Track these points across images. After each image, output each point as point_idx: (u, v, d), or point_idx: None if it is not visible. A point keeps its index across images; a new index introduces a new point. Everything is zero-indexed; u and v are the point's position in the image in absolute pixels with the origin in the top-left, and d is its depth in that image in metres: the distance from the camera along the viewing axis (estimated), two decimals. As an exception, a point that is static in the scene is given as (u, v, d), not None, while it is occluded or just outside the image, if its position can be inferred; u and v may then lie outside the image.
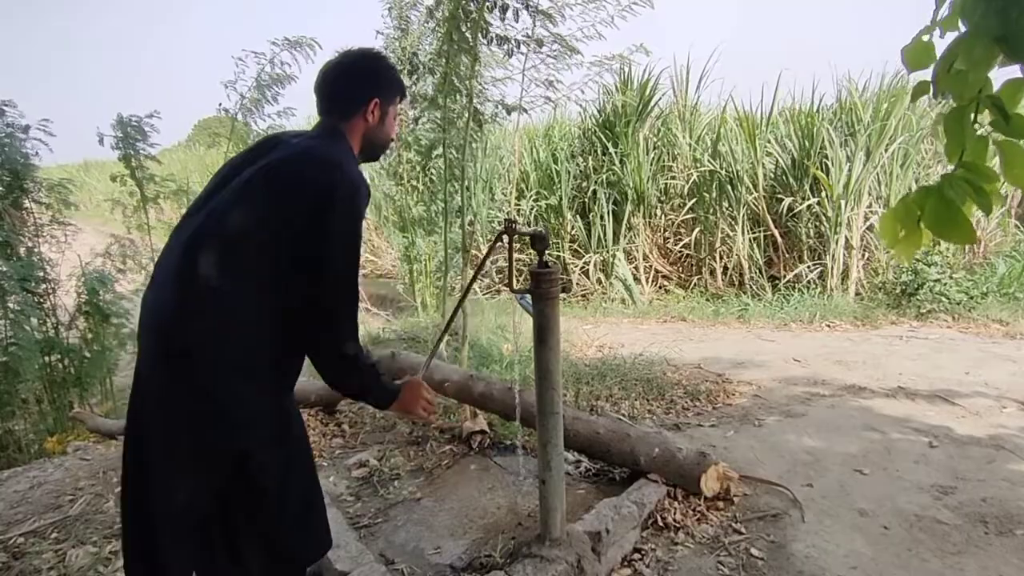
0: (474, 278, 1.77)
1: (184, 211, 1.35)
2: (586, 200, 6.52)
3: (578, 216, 6.56)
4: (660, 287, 6.40)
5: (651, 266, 6.42)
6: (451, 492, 2.37)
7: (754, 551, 1.90)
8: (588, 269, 6.31)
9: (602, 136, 6.44)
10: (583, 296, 6.26)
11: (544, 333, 1.68)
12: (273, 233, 1.19)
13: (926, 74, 0.99)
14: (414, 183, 5.69)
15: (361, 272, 8.60)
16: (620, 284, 6.03)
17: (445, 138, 3.48)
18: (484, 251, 6.89)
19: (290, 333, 1.25)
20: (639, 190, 6.23)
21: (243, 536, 1.27)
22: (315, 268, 1.20)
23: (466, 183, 6.66)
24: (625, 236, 6.29)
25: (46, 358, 4.02)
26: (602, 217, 6.23)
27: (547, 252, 1.68)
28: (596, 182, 6.36)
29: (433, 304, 5.76)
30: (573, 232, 6.55)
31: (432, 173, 5.20)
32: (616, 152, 6.29)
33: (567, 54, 4.62)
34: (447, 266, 3.37)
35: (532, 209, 6.71)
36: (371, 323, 5.25)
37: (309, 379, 3.84)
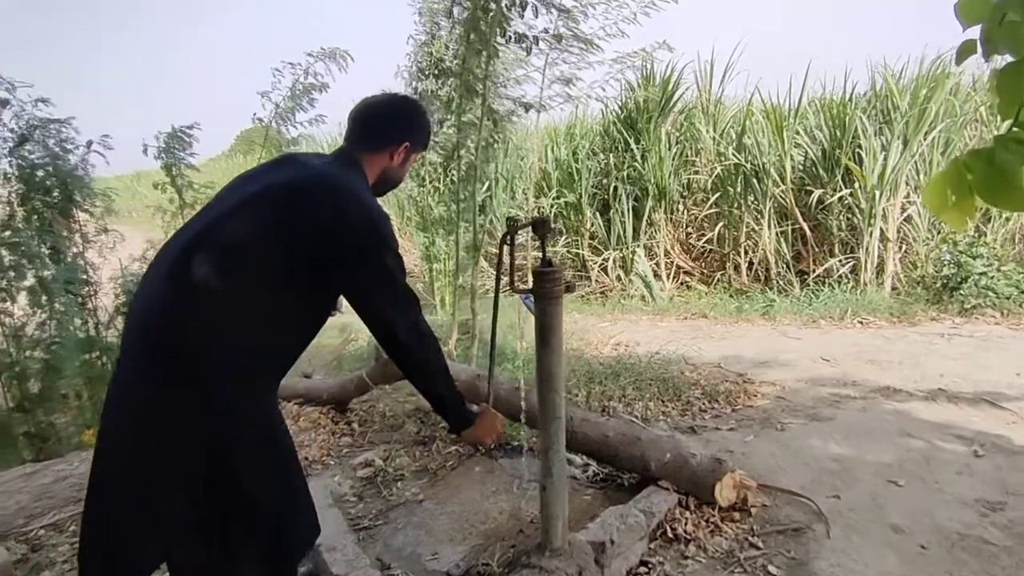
0: (497, 290, 1.67)
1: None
2: (607, 197, 6.29)
3: (598, 213, 6.33)
4: (682, 283, 6.12)
5: (672, 262, 6.15)
6: (453, 494, 2.22)
7: (772, 568, 1.68)
8: (607, 266, 6.08)
9: (623, 132, 6.20)
10: (602, 293, 6.04)
11: (546, 334, 1.52)
12: (281, 247, 1.17)
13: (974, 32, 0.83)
14: (436, 184, 5.62)
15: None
16: (639, 281, 5.78)
17: (458, 139, 3.35)
18: (504, 250, 6.69)
19: (280, 339, 1.23)
20: (660, 185, 5.97)
21: (232, 533, 1.20)
22: (368, 304, 1.27)
23: (487, 183, 6.56)
24: (646, 232, 6.04)
25: (86, 355, 4.11)
26: (622, 213, 5.98)
27: (549, 240, 1.53)
28: (617, 178, 6.12)
29: (451, 302, 5.67)
30: (592, 229, 6.33)
31: (452, 174, 5.12)
32: (637, 148, 6.04)
33: (588, 51, 4.44)
34: (458, 265, 3.25)
35: (552, 207, 6.53)
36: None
37: (323, 377, 3.79)
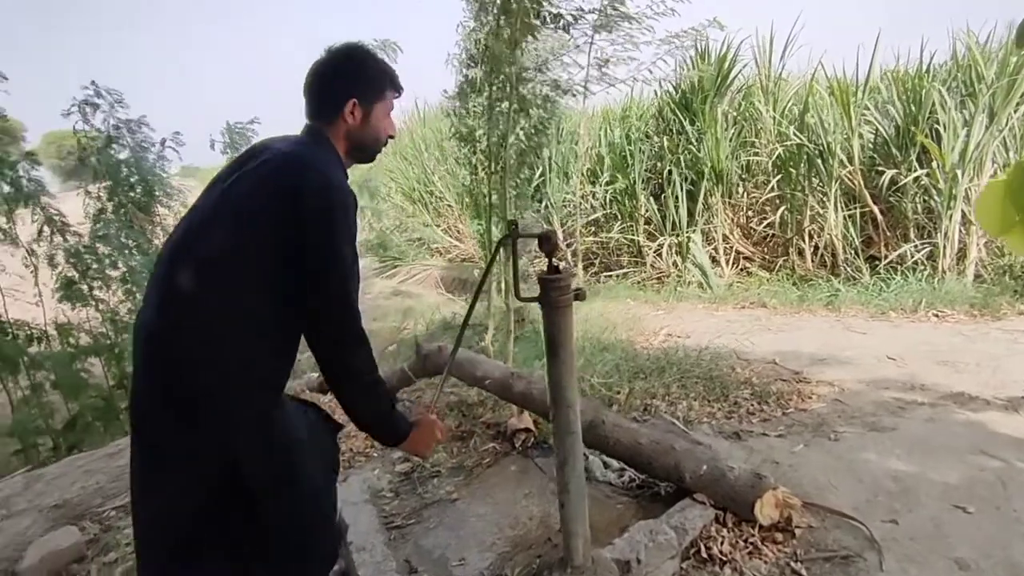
0: (479, 290, 1.57)
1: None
2: (661, 181, 5.97)
3: (652, 198, 6.02)
4: (742, 269, 5.72)
5: (732, 247, 5.76)
6: (487, 494, 2.18)
7: (815, 600, 1.52)
8: (662, 251, 5.79)
9: (677, 113, 5.83)
10: (658, 279, 5.77)
11: (555, 346, 1.41)
12: (256, 243, 1.12)
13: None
14: (487, 172, 5.55)
15: (444, 261, 8.66)
16: (696, 268, 5.47)
17: (489, 128, 3.22)
18: (561, 235, 6.64)
19: (277, 340, 1.18)
20: (717, 168, 5.57)
21: (243, 545, 1.19)
22: (307, 280, 1.12)
23: (540, 169, 6.35)
24: (702, 216, 5.69)
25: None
26: (676, 198, 5.65)
27: (555, 255, 1.40)
28: (672, 162, 5.78)
29: (503, 288, 5.61)
30: (647, 214, 6.04)
31: (503, 162, 5.02)
32: (693, 130, 5.66)
33: (635, 32, 4.15)
34: (492, 257, 3.15)
35: (606, 192, 6.28)
36: (443, 309, 5.17)
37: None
